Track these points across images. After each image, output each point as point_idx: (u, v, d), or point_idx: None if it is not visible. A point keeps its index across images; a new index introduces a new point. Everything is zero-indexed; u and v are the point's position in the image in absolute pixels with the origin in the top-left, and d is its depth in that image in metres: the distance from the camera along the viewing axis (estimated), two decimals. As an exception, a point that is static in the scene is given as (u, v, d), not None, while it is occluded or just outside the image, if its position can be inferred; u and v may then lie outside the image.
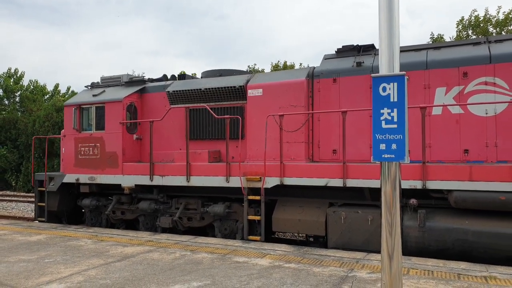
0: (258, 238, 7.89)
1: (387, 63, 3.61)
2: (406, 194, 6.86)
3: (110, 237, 8.02)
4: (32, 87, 31.16)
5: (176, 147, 9.31)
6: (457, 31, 20.23)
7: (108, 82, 10.61)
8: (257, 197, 7.86)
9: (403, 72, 3.50)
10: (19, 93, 29.15)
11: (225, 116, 8.27)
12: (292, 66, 26.12)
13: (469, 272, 5.36)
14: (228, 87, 8.67)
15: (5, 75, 30.09)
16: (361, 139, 7.63)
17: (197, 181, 8.44)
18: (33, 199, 14.67)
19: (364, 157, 7.58)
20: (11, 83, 29.37)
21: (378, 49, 7.81)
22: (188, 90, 9.13)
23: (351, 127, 7.70)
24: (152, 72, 56.00)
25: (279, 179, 7.63)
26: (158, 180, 8.86)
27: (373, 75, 3.63)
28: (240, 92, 8.59)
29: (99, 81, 10.85)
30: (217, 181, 8.22)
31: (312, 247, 6.80)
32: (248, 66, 27.71)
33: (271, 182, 7.72)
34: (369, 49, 8.09)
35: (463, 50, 7.14)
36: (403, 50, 7.68)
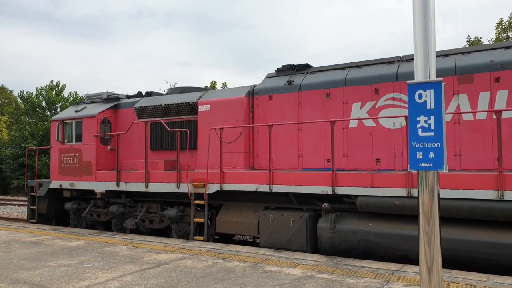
0: (202, 238, 8.83)
1: (423, 70, 3.52)
2: (324, 199, 7.65)
3: (145, 244, 8.16)
4: (71, 99, 33.14)
5: (141, 157, 10.40)
6: (496, 33, 20.25)
7: (91, 99, 11.92)
8: (202, 202, 8.82)
9: (440, 79, 3.44)
10: (59, 104, 30.98)
11: (176, 129, 9.31)
12: None
13: (515, 288, 5.05)
14: (183, 103, 9.73)
15: (47, 87, 32.20)
16: (291, 149, 8.48)
17: (154, 187, 9.50)
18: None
19: (293, 165, 8.43)
20: (53, 95, 31.36)
21: (311, 68, 8.72)
22: (151, 106, 10.25)
23: (282, 139, 8.58)
24: (183, 81, 58.03)
25: (219, 185, 8.57)
26: (123, 186, 9.99)
27: (408, 82, 3.56)
28: (193, 108, 9.62)
29: (84, 98, 12.19)
30: (170, 187, 9.24)
31: (345, 258, 6.70)
32: None
33: (213, 188, 8.67)
34: (303, 68, 8.94)
35: (378, 68, 7.89)
36: (330, 69, 8.53)
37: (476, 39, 20.39)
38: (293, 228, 7.80)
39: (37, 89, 31.50)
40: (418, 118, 3.50)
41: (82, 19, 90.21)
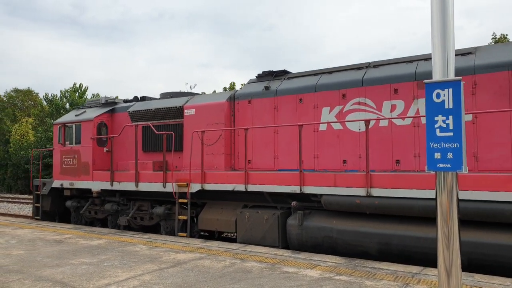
0: (185, 234, 9.42)
1: (441, 68, 3.46)
2: (296, 198, 8.12)
3: (164, 243, 8.26)
4: None
5: (134, 158, 11.08)
6: None
7: (91, 104, 12.68)
8: (185, 200, 9.40)
9: (459, 78, 3.39)
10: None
11: (163, 132, 9.93)
12: None
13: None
14: (170, 107, 10.35)
15: (71, 89, 33.45)
16: (268, 151, 8.99)
17: (143, 186, 10.15)
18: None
19: (269, 166, 8.93)
20: (76, 97, 32.58)
21: (288, 74, 9.21)
22: (143, 110, 10.91)
23: (260, 141, 9.09)
24: (203, 83, 59.14)
25: (200, 185, 9.13)
26: (116, 186, 10.67)
27: (426, 81, 3.50)
28: (179, 112, 10.23)
29: (86, 103, 12.96)
30: (157, 187, 9.86)
31: (363, 260, 6.61)
32: None
33: (195, 187, 9.24)
34: (281, 74, 9.44)
35: (346, 74, 8.32)
36: (304, 75, 9.01)
37: (502, 36, 19.84)
38: (267, 225, 8.30)
39: (61, 91, 32.87)
40: (436, 118, 3.43)
41: (105, 23, 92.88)
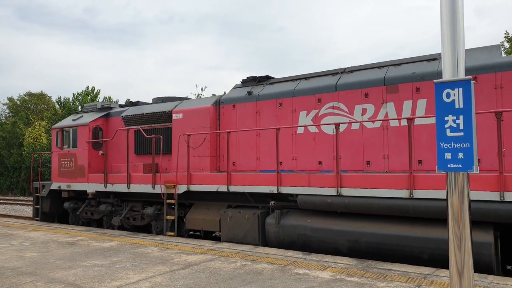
0: (173, 233, 9.86)
1: (451, 68, 3.44)
2: (276, 198, 8.50)
3: (175, 245, 8.27)
4: None
5: (129, 161, 11.57)
6: None
7: (88, 109, 13.22)
8: (173, 201, 9.85)
9: (469, 77, 3.36)
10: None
11: (152, 136, 10.40)
12: None
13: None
14: (160, 112, 10.83)
15: (83, 92, 34.16)
16: (251, 153, 9.40)
17: (134, 188, 10.62)
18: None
19: (252, 168, 9.35)
20: (88, 100, 33.25)
21: (270, 79, 9.63)
22: (135, 114, 11.41)
23: (243, 143, 9.52)
24: (213, 85, 59.61)
25: (187, 186, 9.58)
26: (110, 187, 11.16)
27: (435, 80, 3.48)
28: (169, 116, 10.70)
29: (83, 108, 13.50)
30: (147, 188, 10.33)
31: (375, 261, 6.54)
32: None
33: (181, 188, 9.69)
34: (264, 80, 9.86)
35: (322, 80, 8.71)
36: (284, 80, 9.42)
37: None
38: (248, 224, 8.71)
39: (73, 94, 33.54)
40: (446, 118, 3.42)
41: (116, 26, 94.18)
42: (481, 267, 6.07)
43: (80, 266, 6.57)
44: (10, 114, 39.54)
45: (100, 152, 12.13)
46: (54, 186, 12.71)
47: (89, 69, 73.09)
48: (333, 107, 8.33)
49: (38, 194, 13.36)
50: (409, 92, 7.48)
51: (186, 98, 11.87)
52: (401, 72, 7.69)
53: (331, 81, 8.47)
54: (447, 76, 3.47)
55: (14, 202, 25.05)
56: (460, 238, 3.38)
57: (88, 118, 12.33)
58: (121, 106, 12.98)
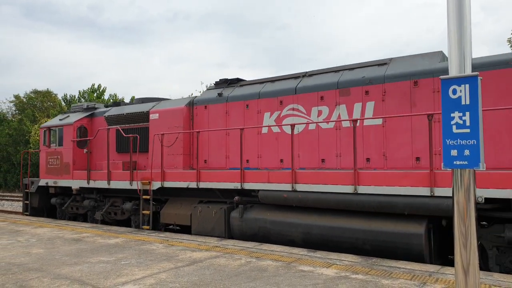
0: (148, 227, 10.48)
1: (457, 64, 3.43)
2: (242, 193, 9.08)
3: (180, 242, 8.28)
4: (111, 101, 35.37)
5: (111, 158, 12.19)
6: None
7: (75, 109, 13.86)
8: (148, 197, 10.46)
9: (476, 73, 3.35)
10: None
11: (130, 135, 11.01)
12: None
13: None
14: (139, 112, 11.44)
15: (89, 90, 34.64)
16: (221, 152, 9.99)
17: (114, 184, 11.24)
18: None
19: (222, 165, 9.93)
20: (94, 98, 33.78)
21: (240, 82, 10.20)
22: (117, 114, 12.03)
23: (214, 142, 10.11)
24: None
25: (160, 183, 10.19)
26: (92, 184, 11.80)
27: (442, 77, 3.48)
28: (146, 116, 11.30)
29: (71, 108, 14.14)
30: (125, 185, 10.94)
31: (380, 258, 6.58)
32: None
33: (156, 185, 10.30)
34: (235, 82, 10.43)
35: (284, 83, 9.28)
36: (251, 83, 9.99)
37: None
38: (215, 218, 9.30)
39: (79, 92, 34.11)
40: (452, 114, 3.41)
41: (120, 24, 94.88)
42: (413, 256, 6.65)
43: (85, 262, 6.62)
44: (17, 111, 40.06)
45: (85, 150, 12.76)
46: (42, 182, 13.36)
47: (95, 67, 74.06)
48: (293, 109, 8.90)
49: (27, 190, 14.01)
50: (359, 95, 8.03)
51: (165, 99, 12.47)
52: (353, 76, 8.24)
53: (292, 85, 9.04)
54: (453, 72, 3.46)
55: (20, 199, 25.69)
56: (466, 236, 3.36)
57: (73, 118, 12.96)
58: (106, 106, 13.59)
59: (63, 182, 12.69)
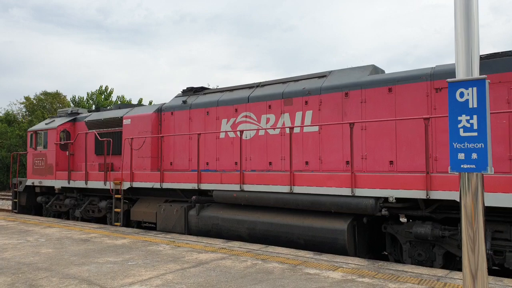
0: (119, 224, 11.37)
1: (465, 67, 3.40)
2: (199, 193, 9.93)
3: (186, 243, 8.34)
4: (119, 102, 36.11)
5: (91, 160, 13.12)
6: None
7: (60, 114, 14.81)
8: (119, 196, 11.35)
9: (484, 76, 3.31)
10: (108, 107, 34.65)
11: (104, 139, 11.92)
12: None
13: None
14: (113, 117, 12.35)
15: (97, 92, 35.44)
16: (185, 155, 10.86)
17: (90, 184, 12.16)
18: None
19: (186, 167, 10.79)
20: (102, 99, 34.60)
21: (205, 90, 11.06)
22: (95, 120, 12.95)
23: (179, 146, 10.98)
24: (225, 84, 61.08)
25: (130, 183, 11.07)
26: (72, 183, 12.72)
27: (448, 80, 3.45)
28: (120, 121, 12.21)
29: (57, 113, 15.12)
30: (100, 185, 11.85)
31: (387, 262, 6.60)
32: None
33: (126, 185, 11.19)
34: (200, 90, 11.30)
35: (240, 92, 10.12)
36: (213, 91, 10.85)
37: None
38: (176, 215, 10.16)
39: (87, 93, 34.98)
40: (459, 118, 3.38)
41: (128, 26, 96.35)
42: (338, 249, 7.45)
43: (93, 262, 6.67)
44: (27, 112, 41.15)
45: (68, 152, 13.70)
46: (29, 182, 14.33)
47: (103, 69, 75.64)
48: (246, 116, 9.74)
49: (16, 190, 14.99)
50: (300, 105, 8.85)
51: (140, 106, 13.37)
52: (296, 87, 9.06)
53: (246, 94, 9.88)
54: (460, 75, 3.44)
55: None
56: (473, 240, 3.32)
57: (57, 122, 13.91)
58: (89, 111, 14.53)
59: (47, 182, 13.64)
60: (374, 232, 8.00)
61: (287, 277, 5.67)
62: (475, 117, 3.33)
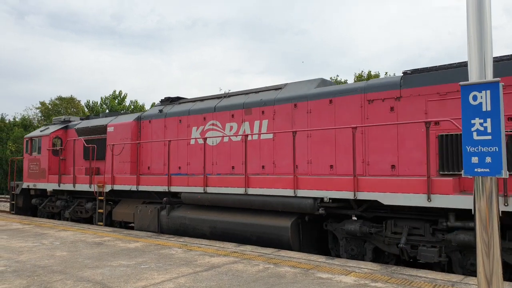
0: (102, 223, 12.33)
1: (478, 70, 3.37)
2: (171, 195, 10.83)
3: (199, 247, 8.39)
4: (132, 107, 37.27)
5: (79, 165, 14.13)
6: None
7: (54, 122, 15.91)
8: (102, 197, 12.31)
9: (498, 79, 3.28)
10: (122, 112, 35.90)
11: (89, 145, 12.93)
12: (376, 76, 26.94)
13: None
14: (99, 125, 13.36)
15: (110, 96, 36.61)
16: (161, 160, 11.79)
17: (78, 187, 13.16)
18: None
19: (162, 171, 11.71)
20: (116, 104, 35.76)
21: (180, 100, 12.01)
22: (84, 127, 13.99)
23: (156, 152, 11.92)
24: (237, 89, 61.95)
25: (111, 186, 12.04)
26: (62, 186, 13.75)
27: (461, 83, 3.43)
28: (104, 129, 13.21)
29: (52, 120, 16.22)
30: (86, 187, 12.85)
31: (400, 267, 6.53)
32: (330, 78, 29.09)
33: (108, 188, 12.15)
34: (176, 100, 12.25)
35: (209, 102, 11.03)
36: (187, 101, 11.78)
37: None
38: (150, 216, 11.07)
39: (101, 98, 36.17)
40: (472, 121, 3.35)
41: (141, 31, 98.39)
42: (284, 245, 8.27)
43: (107, 266, 6.71)
44: (42, 117, 42.53)
45: (60, 157, 14.75)
46: (25, 185, 15.42)
47: (116, 74, 77.49)
48: (212, 124, 10.64)
49: (13, 192, 16.10)
50: (258, 114, 9.72)
51: (120, 113, 14.36)
52: (255, 98, 9.94)
53: (213, 104, 10.79)
54: (473, 78, 3.41)
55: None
56: (488, 245, 3.28)
57: (50, 129, 14.99)
58: (81, 119, 15.60)
59: (40, 185, 14.69)
60: (321, 230, 8.80)
61: (299, 281, 5.63)
62: (488, 120, 3.30)
